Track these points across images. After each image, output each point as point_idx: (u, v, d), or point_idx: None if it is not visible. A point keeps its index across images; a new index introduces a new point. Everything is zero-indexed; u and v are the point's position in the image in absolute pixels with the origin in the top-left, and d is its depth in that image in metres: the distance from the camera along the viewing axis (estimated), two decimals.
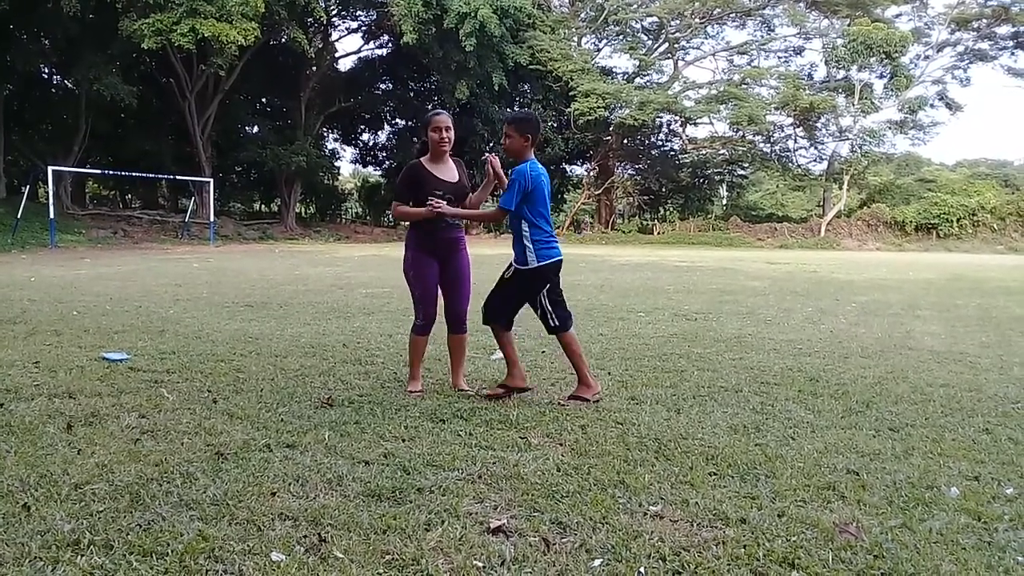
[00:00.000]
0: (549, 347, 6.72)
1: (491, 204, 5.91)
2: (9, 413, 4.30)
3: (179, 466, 3.44)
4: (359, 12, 41.06)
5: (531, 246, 4.80)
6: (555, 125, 42.87)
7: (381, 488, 3.23)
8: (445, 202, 4.84)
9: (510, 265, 4.93)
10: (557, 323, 4.89)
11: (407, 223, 5.21)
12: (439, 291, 5.12)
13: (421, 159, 4.99)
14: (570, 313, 5.01)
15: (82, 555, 2.59)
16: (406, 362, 5.22)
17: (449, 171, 4.99)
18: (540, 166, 4.84)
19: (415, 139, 38.72)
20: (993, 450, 3.98)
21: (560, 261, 4.94)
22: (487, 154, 5.12)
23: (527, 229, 4.80)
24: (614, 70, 47.09)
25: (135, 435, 3.91)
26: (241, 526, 2.84)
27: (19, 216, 26.00)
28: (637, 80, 44.95)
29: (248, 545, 2.68)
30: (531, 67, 39.12)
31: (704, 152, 46.38)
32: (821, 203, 47.66)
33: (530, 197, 4.75)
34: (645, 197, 49.46)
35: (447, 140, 4.92)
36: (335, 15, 39.98)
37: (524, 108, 41.84)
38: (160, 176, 35.62)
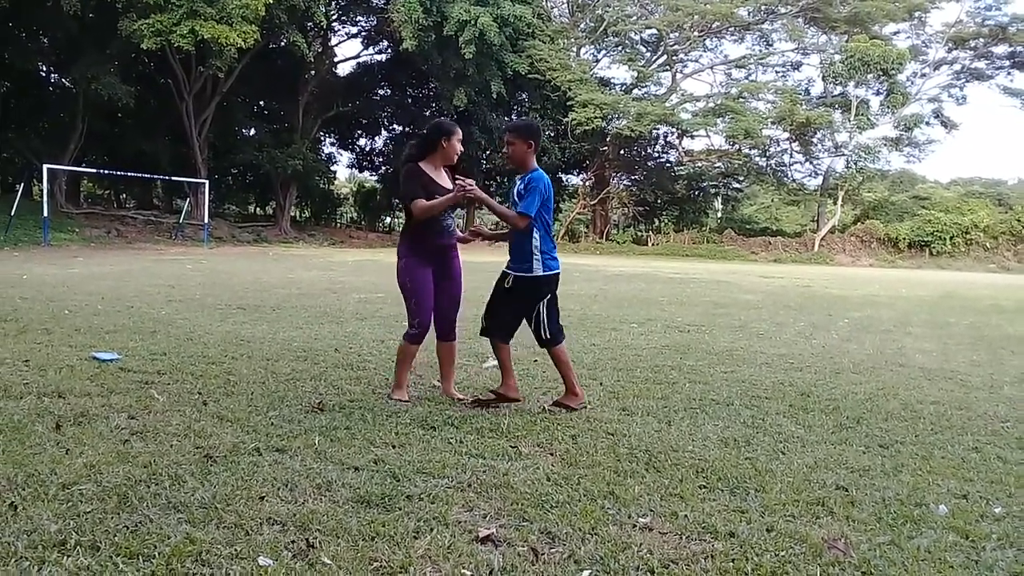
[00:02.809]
0: (542, 356, 6.72)
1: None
2: None
3: (168, 468, 3.42)
4: (359, 17, 41.23)
5: (538, 255, 4.78)
6: (552, 134, 42.99)
7: (370, 494, 3.22)
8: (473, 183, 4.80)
9: (506, 275, 4.88)
10: (549, 336, 4.86)
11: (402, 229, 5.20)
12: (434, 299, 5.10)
13: (419, 162, 4.97)
14: (562, 327, 4.97)
15: (68, 556, 2.57)
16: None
17: (444, 179, 5.00)
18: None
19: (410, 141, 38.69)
20: (982, 469, 3.99)
21: (559, 273, 4.94)
22: (460, 179, 4.84)
23: (537, 237, 4.78)
24: (612, 81, 47.38)
25: (124, 436, 3.89)
26: (229, 530, 2.83)
27: (12, 213, 25.87)
28: (635, 91, 45.15)
29: (235, 549, 2.67)
30: (530, 76, 39.23)
31: (700, 165, 46.59)
32: (815, 218, 47.93)
33: (544, 205, 4.77)
34: (640, 208, 49.68)
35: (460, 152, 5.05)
36: (335, 20, 40.07)
37: (522, 116, 42.05)
38: (155, 176, 35.60)
